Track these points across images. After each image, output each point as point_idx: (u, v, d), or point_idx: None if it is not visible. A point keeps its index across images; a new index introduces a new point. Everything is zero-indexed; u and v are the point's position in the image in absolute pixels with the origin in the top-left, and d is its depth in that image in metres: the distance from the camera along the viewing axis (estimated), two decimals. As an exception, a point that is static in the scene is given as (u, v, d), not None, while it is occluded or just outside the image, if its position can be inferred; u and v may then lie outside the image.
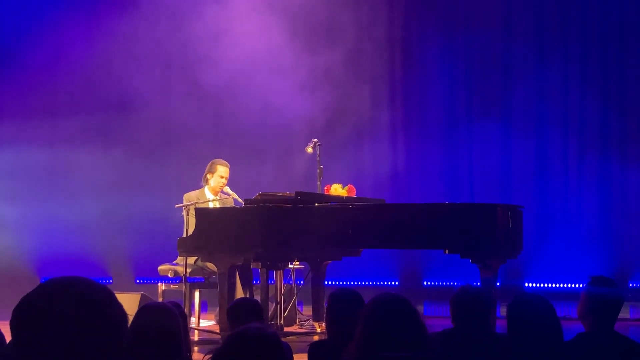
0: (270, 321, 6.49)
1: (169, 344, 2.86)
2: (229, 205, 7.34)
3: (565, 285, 9.42)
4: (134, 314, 2.94)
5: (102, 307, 1.56)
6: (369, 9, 10.15)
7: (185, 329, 3.24)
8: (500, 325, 6.46)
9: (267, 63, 9.74)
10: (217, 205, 7.36)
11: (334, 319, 3.56)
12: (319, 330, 6.92)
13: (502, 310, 7.98)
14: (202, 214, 6.65)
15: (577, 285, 9.25)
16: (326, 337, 3.72)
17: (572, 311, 7.44)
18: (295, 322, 7.32)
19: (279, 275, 6.71)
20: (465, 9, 10.21)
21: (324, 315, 3.75)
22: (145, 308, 2.95)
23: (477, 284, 5.94)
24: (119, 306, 1.60)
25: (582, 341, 3.27)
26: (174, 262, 7.28)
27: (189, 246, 6.60)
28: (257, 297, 6.36)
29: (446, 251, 6.09)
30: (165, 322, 2.87)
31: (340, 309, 3.51)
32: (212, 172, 7.49)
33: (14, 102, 10.06)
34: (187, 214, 6.90)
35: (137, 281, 10.02)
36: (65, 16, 10.06)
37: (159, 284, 7.36)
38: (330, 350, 3.29)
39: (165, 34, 9.91)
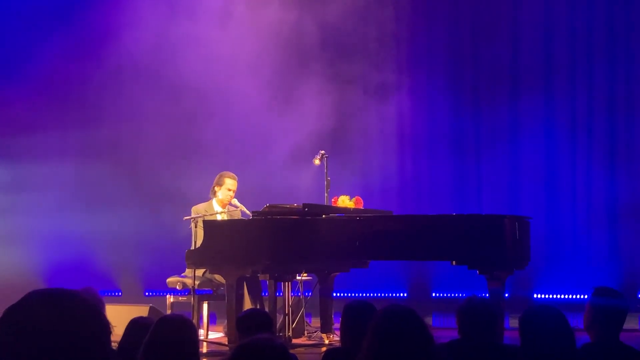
0: (279, 333, 6.50)
1: (188, 355, 2.89)
2: (236, 218, 7.37)
3: (575, 297, 9.38)
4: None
5: (84, 318, 1.56)
6: (377, 21, 10.20)
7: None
8: (509, 336, 6.46)
9: (274, 75, 9.78)
10: (225, 217, 7.39)
11: (348, 329, 3.62)
12: (327, 341, 6.92)
13: (512, 322, 7.98)
14: (210, 226, 6.69)
15: (586, 297, 9.21)
16: (340, 346, 3.79)
17: (580, 322, 7.42)
18: (304, 334, 7.33)
19: (286, 286, 6.73)
20: (471, 21, 10.23)
21: (339, 325, 3.82)
22: (165, 319, 2.98)
23: (485, 295, 5.95)
24: (102, 318, 1.60)
25: (587, 352, 3.27)
26: (183, 274, 7.30)
27: (197, 258, 6.63)
28: (266, 309, 6.38)
29: (454, 262, 6.09)
30: (184, 333, 2.90)
31: (354, 319, 3.56)
32: (220, 184, 7.52)
33: (23, 115, 10.13)
34: (196, 226, 6.93)
35: (146, 294, 10.05)
36: (76, 27, 10.15)
37: (167, 296, 7.38)
38: (344, 358, 3.34)
39: (172, 52, 9.95)
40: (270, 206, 6.67)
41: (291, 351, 4.38)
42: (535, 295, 9.65)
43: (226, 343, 6.55)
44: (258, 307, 6.95)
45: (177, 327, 2.91)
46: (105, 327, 1.60)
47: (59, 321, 1.54)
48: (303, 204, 6.53)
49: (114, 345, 3.27)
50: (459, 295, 9.52)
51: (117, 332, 2.70)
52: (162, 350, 2.85)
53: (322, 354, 3.83)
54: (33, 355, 1.51)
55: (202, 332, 7.09)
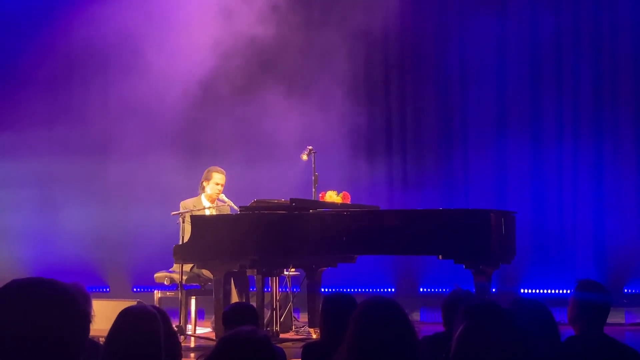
0: (266, 328, 6.52)
1: (147, 348, 2.83)
2: (225, 213, 7.37)
3: (561, 291, 9.43)
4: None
5: (63, 307, 1.57)
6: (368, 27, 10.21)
7: (169, 332, 3.13)
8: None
9: (264, 71, 9.77)
10: (213, 212, 7.40)
11: (327, 321, 3.63)
12: (314, 336, 6.94)
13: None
14: (197, 221, 6.69)
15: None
16: (319, 338, 3.79)
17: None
18: (291, 329, 7.34)
19: (274, 281, 6.75)
20: (459, 17, 10.25)
21: (319, 318, 3.82)
22: (125, 312, 2.93)
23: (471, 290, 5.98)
24: (81, 307, 1.61)
25: (572, 344, 3.29)
26: (170, 269, 7.30)
27: (185, 253, 6.63)
28: (254, 304, 6.39)
29: (440, 257, 6.13)
30: (143, 325, 2.85)
31: (333, 311, 3.57)
32: (208, 179, 7.52)
33: (12, 112, 10.10)
34: (183, 222, 6.93)
35: (134, 289, 10.03)
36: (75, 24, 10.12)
37: (155, 292, 7.38)
38: (324, 351, 3.34)
39: (163, 44, 9.91)
40: (257, 201, 6.68)
41: (279, 345, 4.39)
42: (522, 290, 9.69)
43: (214, 338, 6.56)
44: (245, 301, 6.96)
45: (138, 320, 2.85)
46: (84, 315, 1.60)
47: (38, 309, 1.54)
48: (290, 199, 6.55)
49: (100, 337, 3.24)
50: (446, 290, 9.51)
51: (100, 322, 2.65)
52: (122, 344, 2.79)
53: (301, 348, 3.83)
54: (9, 343, 1.51)
55: (190, 327, 7.11)
